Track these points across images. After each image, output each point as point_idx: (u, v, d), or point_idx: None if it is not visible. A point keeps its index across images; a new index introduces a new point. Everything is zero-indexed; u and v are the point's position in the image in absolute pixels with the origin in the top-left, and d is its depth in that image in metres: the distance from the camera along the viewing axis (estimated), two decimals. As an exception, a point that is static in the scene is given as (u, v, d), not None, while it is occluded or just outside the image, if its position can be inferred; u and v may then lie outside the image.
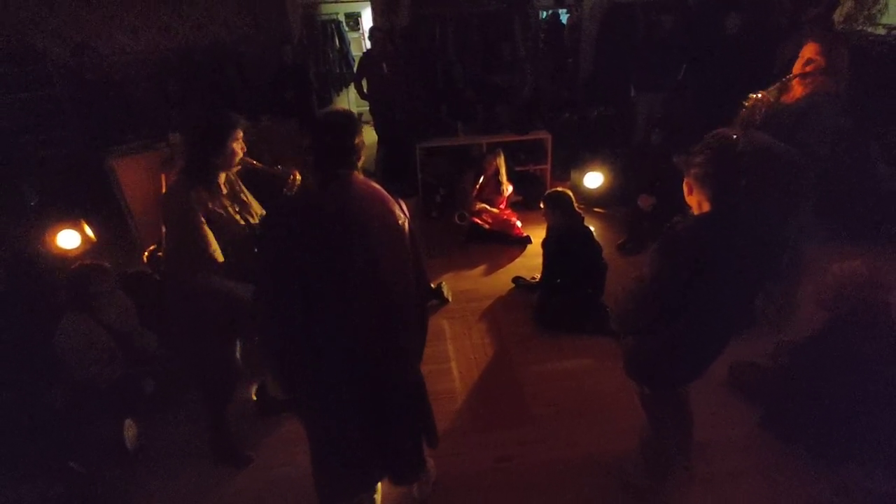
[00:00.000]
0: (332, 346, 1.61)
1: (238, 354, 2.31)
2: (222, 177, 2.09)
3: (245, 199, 2.22)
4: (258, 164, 2.23)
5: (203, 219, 1.96)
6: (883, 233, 3.98)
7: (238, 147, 2.06)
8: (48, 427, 2.49)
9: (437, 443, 2.02)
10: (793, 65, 2.58)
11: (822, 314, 2.30)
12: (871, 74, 4.41)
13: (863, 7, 5.90)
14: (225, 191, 2.11)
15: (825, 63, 2.40)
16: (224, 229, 2.04)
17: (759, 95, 2.46)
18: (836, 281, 2.17)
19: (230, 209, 2.10)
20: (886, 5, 5.70)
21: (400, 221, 1.67)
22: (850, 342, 2.12)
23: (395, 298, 1.66)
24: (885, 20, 5.56)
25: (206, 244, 1.96)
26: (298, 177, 2.33)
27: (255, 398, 2.76)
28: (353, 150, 1.59)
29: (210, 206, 2.01)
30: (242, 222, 2.12)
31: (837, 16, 5.54)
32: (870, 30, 5.52)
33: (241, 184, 2.23)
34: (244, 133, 2.08)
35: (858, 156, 4.21)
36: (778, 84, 2.58)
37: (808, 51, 2.45)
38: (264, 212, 2.24)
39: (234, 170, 2.13)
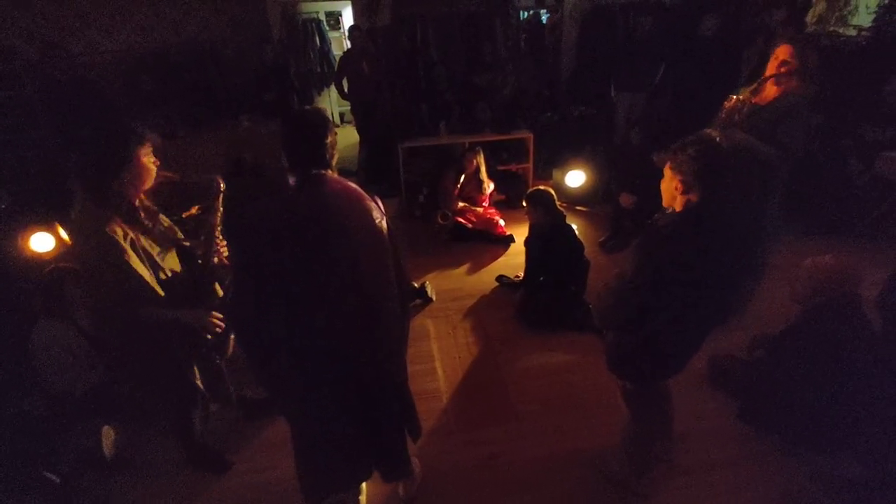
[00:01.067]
0: (314, 346, 1.60)
1: (198, 377, 2.16)
2: (138, 200, 1.87)
3: (163, 219, 2.04)
4: (175, 175, 2.01)
5: (131, 252, 1.76)
6: (856, 227, 4.10)
7: (149, 162, 1.84)
8: (23, 435, 2.42)
9: (419, 434, 2.03)
10: (762, 66, 2.65)
11: (796, 307, 2.36)
12: (842, 74, 4.54)
13: (834, 9, 6.06)
14: (142, 214, 1.89)
15: (798, 65, 2.47)
16: (152, 259, 1.87)
17: (741, 97, 2.52)
18: (808, 274, 2.23)
19: (154, 234, 1.93)
20: (857, 7, 5.87)
21: (377, 220, 1.66)
22: (822, 335, 2.18)
23: (376, 297, 1.66)
24: (855, 21, 5.73)
25: (141, 280, 1.77)
26: (223, 184, 2.14)
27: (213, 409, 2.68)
28: (325, 149, 1.57)
29: (132, 236, 1.80)
30: (173, 245, 1.99)
31: (810, 17, 5.69)
32: (841, 31, 5.67)
33: (152, 202, 2.00)
34: (153, 144, 1.87)
35: (831, 152, 4.33)
36: (755, 85, 2.65)
37: (782, 52, 2.52)
38: (222, 218, 2.10)
39: (147, 188, 1.90)
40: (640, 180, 4.03)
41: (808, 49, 2.49)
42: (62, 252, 3.46)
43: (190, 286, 2.03)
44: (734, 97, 2.53)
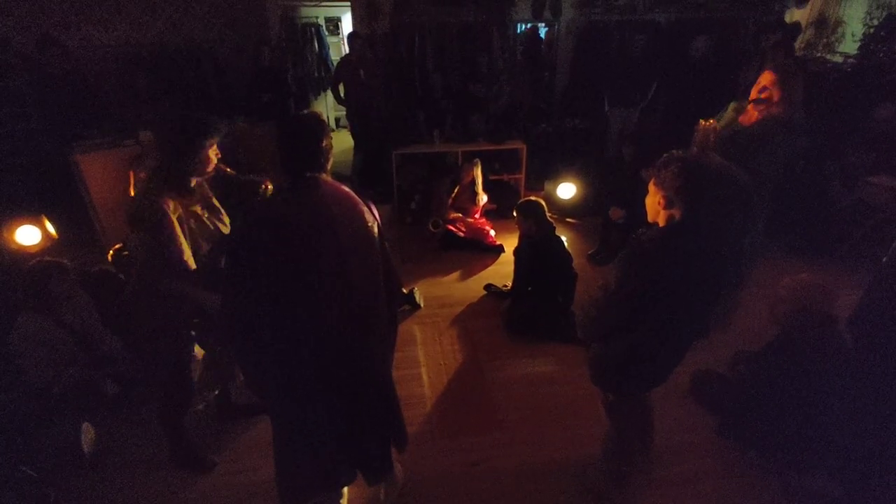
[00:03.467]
0: (302, 348, 1.61)
1: (194, 365, 2.22)
2: (194, 182, 2.04)
3: (215, 204, 2.17)
4: (231, 171, 2.19)
5: (177, 226, 1.91)
6: (837, 248, 4.19)
7: (213, 154, 2.02)
8: (1, 431, 2.39)
9: (405, 446, 2.03)
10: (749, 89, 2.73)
11: (775, 326, 2.41)
12: (828, 99, 4.67)
13: (822, 36, 6.23)
14: (197, 196, 2.06)
15: (780, 91, 2.53)
16: (196, 236, 2.00)
17: (710, 122, 2.58)
18: (786, 293, 2.28)
19: (202, 215, 2.05)
20: (843, 35, 6.04)
21: (369, 224, 1.68)
22: (799, 353, 2.23)
23: (365, 301, 1.67)
24: (842, 49, 5.89)
25: (181, 252, 1.91)
26: (270, 186, 2.29)
27: (201, 408, 2.68)
28: (321, 153, 1.60)
29: (182, 212, 1.96)
30: (212, 228, 2.08)
31: (799, 43, 5.84)
32: (828, 57, 5.83)
33: (209, 189, 2.18)
34: (221, 138, 2.03)
35: (815, 175, 4.43)
36: (733, 106, 2.73)
37: (765, 79, 2.59)
38: (229, 219, 2.19)
39: (207, 176, 2.07)
40: (629, 195, 4.10)
41: (791, 75, 2.56)
42: (48, 245, 3.43)
43: (216, 270, 2.08)
44: (703, 122, 2.59)
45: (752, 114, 2.64)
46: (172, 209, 1.91)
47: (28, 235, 3.40)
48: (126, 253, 3.34)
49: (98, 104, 4.78)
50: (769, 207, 2.87)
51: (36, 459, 2.34)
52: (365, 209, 1.69)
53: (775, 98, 2.53)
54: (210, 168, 2.03)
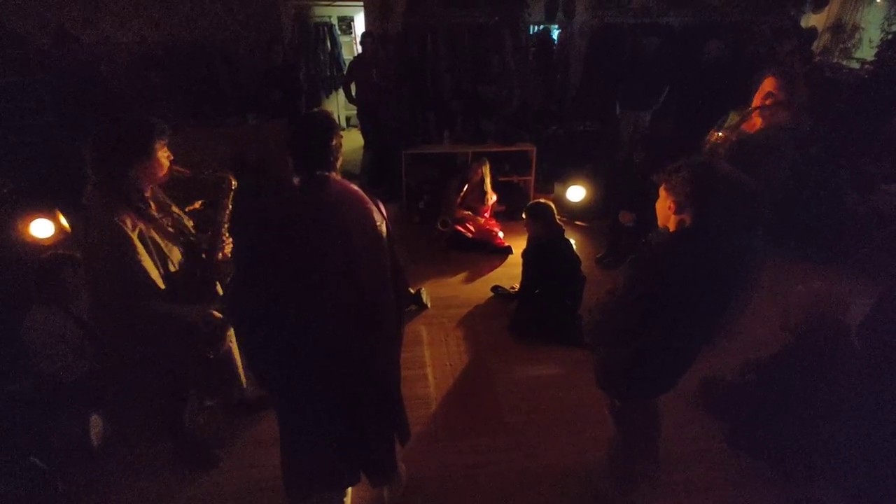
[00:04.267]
0: (307, 345, 1.61)
1: (191, 373, 2.19)
2: (149, 191, 1.89)
3: (175, 211, 2.05)
4: (185, 170, 2.00)
5: (138, 244, 1.76)
6: (850, 256, 4.13)
7: (164, 156, 1.87)
8: (10, 421, 2.42)
9: (408, 438, 2.04)
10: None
11: (787, 333, 2.38)
12: (843, 105, 4.60)
13: (838, 41, 6.16)
14: (153, 206, 1.90)
15: (784, 97, 2.51)
16: (161, 247, 1.87)
17: (721, 134, 2.56)
18: (800, 302, 2.25)
19: (164, 224, 1.93)
20: (860, 40, 5.96)
21: (378, 224, 1.68)
22: (812, 362, 2.20)
23: (372, 300, 1.67)
24: (858, 54, 5.81)
25: (145, 273, 1.76)
26: (234, 181, 2.16)
27: (209, 403, 2.68)
28: (330, 152, 1.60)
29: (142, 226, 1.80)
30: (181, 238, 1.99)
31: (815, 48, 5.77)
32: (844, 63, 5.76)
33: (164, 195, 2.02)
34: (168, 139, 1.89)
35: (829, 183, 4.37)
36: (739, 116, 2.71)
37: (768, 85, 2.57)
38: (191, 222, 2.11)
39: (161, 181, 1.93)
40: (639, 199, 4.07)
41: (795, 81, 2.54)
42: (62, 239, 3.47)
43: (191, 280, 2.03)
44: (716, 133, 2.57)
45: (756, 121, 2.62)
46: (130, 227, 1.75)
47: (42, 228, 3.44)
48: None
49: (112, 100, 4.83)
50: (773, 215, 2.84)
51: (45, 450, 2.36)
52: (374, 208, 1.69)
53: (779, 104, 2.51)
54: (163, 172, 1.89)
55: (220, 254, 2.11)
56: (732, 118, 2.78)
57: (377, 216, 1.68)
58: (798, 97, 2.53)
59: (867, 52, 5.61)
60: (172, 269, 1.91)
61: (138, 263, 1.75)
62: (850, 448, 2.17)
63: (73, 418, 2.46)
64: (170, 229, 1.96)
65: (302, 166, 1.60)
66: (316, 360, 1.64)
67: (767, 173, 2.53)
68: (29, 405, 2.52)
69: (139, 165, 1.79)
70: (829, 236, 4.26)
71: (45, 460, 2.31)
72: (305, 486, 1.86)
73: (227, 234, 2.13)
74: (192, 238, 2.07)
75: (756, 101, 2.61)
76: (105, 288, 1.82)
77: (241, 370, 2.50)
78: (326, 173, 1.60)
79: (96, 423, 2.48)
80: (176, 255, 1.97)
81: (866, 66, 5.17)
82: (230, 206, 2.13)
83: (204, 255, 2.09)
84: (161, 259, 1.87)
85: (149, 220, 1.86)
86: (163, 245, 1.89)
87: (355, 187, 1.69)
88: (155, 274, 1.81)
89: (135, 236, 1.75)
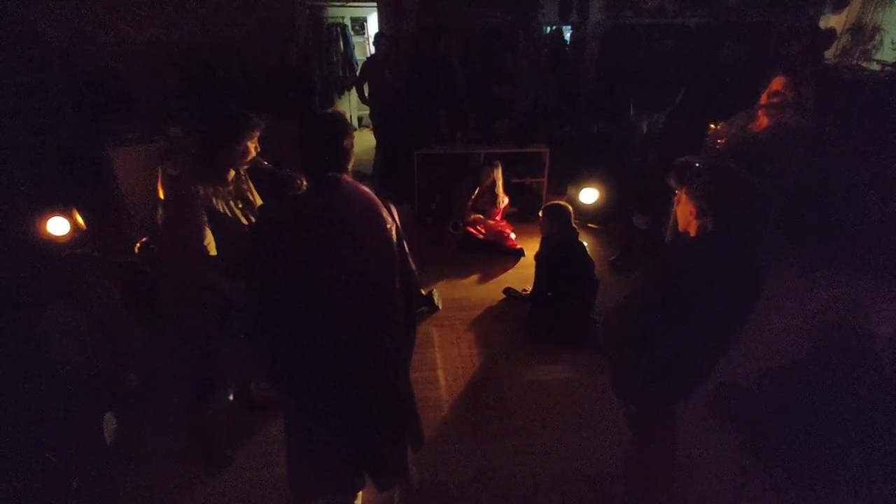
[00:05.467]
0: (318, 346, 1.61)
1: (221, 355, 2.24)
2: (231, 173, 2.08)
3: (251, 197, 2.20)
4: (268, 165, 2.21)
5: (203, 212, 1.94)
6: (872, 261, 4.04)
7: (252, 147, 2.06)
8: (27, 418, 2.45)
9: (420, 444, 2.02)
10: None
11: (806, 339, 2.33)
12: (863, 107, 4.52)
13: (858, 42, 6.05)
14: (231, 187, 2.10)
15: (791, 97, 2.49)
16: (224, 226, 2.02)
17: (718, 127, 2.54)
18: (821, 309, 2.21)
19: (233, 206, 2.08)
20: (881, 42, 5.85)
21: (388, 226, 1.66)
22: (833, 370, 2.15)
23: (381, 303, 1.66)
24: (879, 56, 5.71)
25: (200, 236, 1.93)
26: (305, 182, 2.29)
27: (231, 399, 2.71)
28: (342, 153, 1.59)
29: (213, 201, 1.99)
30: (245, 221, 2.10)
31: (834, 49, 5.68)
32: (864, 64, 5.65)
33: (249, 182, 2.22)
34: (260, 134, 2.08)
35: (848, 186, 4.29)
36: (743, 113, 2.68)
37: (776, 84, 2.56)
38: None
39: (244, 168, 2.12)
40: (653, 201, 4.02)
41: (803, 82, 2.53)
42: (78, 237, 3.51)
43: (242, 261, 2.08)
44: (713, 126, 2.55)
45: (762, 119, 2.59)
46: (203, 196, 1.95)
47: (58, 227, 3.48)
48: (153, 246, 3.40)
49: (128, 99, 4.89)
50: (787, 217, 2.82)
51: (60, 448, 2.38)
52: (384, 211, 1.68)
53: (786, 104, 2.48)
54: (248, 161, 2.07)
55: None
56: (739, 117, 2.75)
57: (387, 218, 1.67)
58: (805, 97, 2.51)
59: (888, 53, 5.51)
60: (229, 246, 2.03)
61: (195, 227, 1.93)
62: (868, 460, 2.12)
63: (88, 416, 2.48)
64: (238, 212, 2.09)
65: (313, 167, 1.59)
66: (325, 360, 1.63)
67: (773, 173, 2.50)
68: (45, 403, 2.54)
69: (228, 149, 1.99)
70: (848, 240, 4.18)
71: (60, 457, 2.33)
72: (311, 487, 1.86)
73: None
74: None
75: (763, 100, 2.59)
76: (165, 240, 2.06)
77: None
78: (338, 175, 1.58)
79: (110, 421, 2.50)
80: (239, 234, 2.08)
81: (887, 68, 5.07)
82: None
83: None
84: (223, 234, 2.01)
85: (222, 197, 2.04)
86: (228, 223, 2.04)
87: (366, 189, 1.68)
88: (210, 244, 1.96)
89: (202, 205, 1.94)
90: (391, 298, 1.71)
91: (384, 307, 1.68)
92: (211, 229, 1.97)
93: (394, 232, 1.69)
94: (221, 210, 2.01)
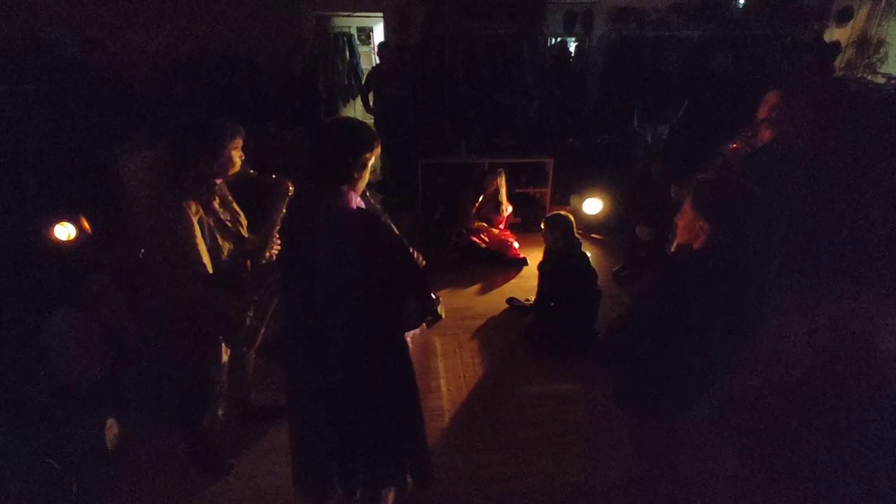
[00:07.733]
0: (299, 350, 1.68)
1: (219, 367, 2.22)
2: (216, 184, 2.02)
3: (234, 207, 2.15)
4: (254, 172, 2.14)
5: (196, 228, 1.88)
6: (879, 276, 4.01)
7: (237, 155, 1.99)
8: (29, 424, 2.45)
9: (425, 482, 1.95)
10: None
11: (813, 354, 2.31)
12: (868, 121, 4.51)
13: (863, 55, 6.06)
14: (217, 199, 2.04)
15: (784, 110, 2.53)
16: (217, 235, 1.99)
17: (735, 146, 2.57)
18: (828, 322, 2.20)
19: (223, 219, 2.04)
20: (886, 55, 5.86)
21: (367, 246, 1.49)
22: (840, 384, 2.13)
23: (334, 329, 1.56)
24: (884, 69, 5.71)
25: (198, 256, 1.88)
26: (291, 187, 2.20)
27: (221, 414, 2.68)
28: (342, 164, 1.50)
29: (203, 214, 1.94)
30: (232, 229, 2.08)
31: (839, 62, 5.68)
32: (869, 77, 5.66)
33: (228, 191, 2.14)
34: (244, 141, 2.00)
35: (855, 200, 4.28)
36: (748, 131, 2.71)
37: (771, 98, 2.60)
38: (246, 221, 2.18)
39: (230, 177, 2.05)
40: (657, 212, 4.02)
41: (795, 94, 2.56)
42: (84, 242, 3.53)
43: (236, 274, 2.08)
44: (734, 145, 2.58)
45: (764, 134, 2.63)
46: (194, 211, 1.90)
47: (65, 231, 3.51)
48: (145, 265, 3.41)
49: (136, 107, 4.94)
50: (793, 231, 2.82)
51: (61, 453, 2.38)
52: (364, 239, 1.48)
53: (782, 118, 2.51)
54: (234, 170, 2.01)
55: (269, 253, 2.15)
56: (742, 134, 2.79)
57: (368, 248, 1.48)
58: (800, 111, 2.54)
59: (893, 66, 5.51)
60: (223, 258, 2.02)
61: (194, 246, 1.87)
62: (875, 475, 2.09)
63: (90, 421, 2.48)
64: (227, 224, 2.06)
65: (307, 176, 1.56)
66: (303, 367, 1.69)
67: (778, 186, 2.51)
68: (47, 408, 2.54)
69: (209, 160, 1.92)
70: (855, 254, 4.15)
71: (61, 462, 2.33)
72: (297, 486, 1.88)
73: (278, 236, 2.17)
74: (243, 234, 2.15)
75: (760, 115, 2.63)
76: (160, 266, 1.97)
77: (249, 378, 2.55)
78: (338, 187, 1.50)
79: (112, 427, 2.50)
80: (227, 248, 2.07)
81: (892, 82, 5.08)
82: (284, 210, 2.16)
83: (248, 249, 2.15)
84: (214, 249, 1.98)
85: (210, 211, 1.99)
86: (218, 236, 2.00)
87: (356, 206, 1.52)
88: (207, 260, 1.92)
89: (195, 221, 1.89)
90: (351, 326, 1.57)
91: (339, 334, 1.57)
92: (204, 245, 1.92)
93: (372, 263, 1.50)
94: (213, 221, 1.98)
